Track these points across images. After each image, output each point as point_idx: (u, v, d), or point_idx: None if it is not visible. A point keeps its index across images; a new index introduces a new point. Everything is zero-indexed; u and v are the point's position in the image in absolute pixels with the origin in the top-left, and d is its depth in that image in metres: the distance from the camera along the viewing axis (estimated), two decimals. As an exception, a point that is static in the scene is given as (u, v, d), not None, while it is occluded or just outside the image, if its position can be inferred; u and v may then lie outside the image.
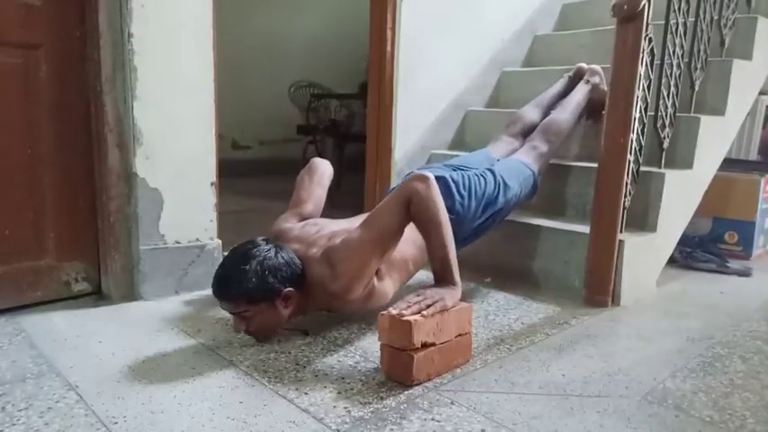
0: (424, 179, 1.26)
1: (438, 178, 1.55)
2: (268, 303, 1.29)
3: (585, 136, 2.10)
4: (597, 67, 2.04)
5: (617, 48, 1.59)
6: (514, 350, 1.35)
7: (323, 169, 1.66)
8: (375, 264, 1.29)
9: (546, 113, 2.04)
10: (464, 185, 1.59)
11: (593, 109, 2.02)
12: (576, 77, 2.10)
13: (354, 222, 1.41)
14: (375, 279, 1.33)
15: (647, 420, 1.05)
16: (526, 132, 1.97)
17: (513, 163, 1.78)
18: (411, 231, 1.33)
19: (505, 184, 1.67)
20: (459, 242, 1.57)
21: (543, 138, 1.88)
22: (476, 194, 1.60)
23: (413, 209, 1.25)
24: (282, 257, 1.31)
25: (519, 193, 1.71)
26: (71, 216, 1.57)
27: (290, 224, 1.51)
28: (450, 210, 1.52)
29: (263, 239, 1.35)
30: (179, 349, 1.31)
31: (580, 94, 2.01)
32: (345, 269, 1.26)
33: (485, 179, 1.65)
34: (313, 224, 1.50)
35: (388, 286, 1.38)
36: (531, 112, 2.03)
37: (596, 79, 2.03)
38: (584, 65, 2.10)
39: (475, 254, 1.95)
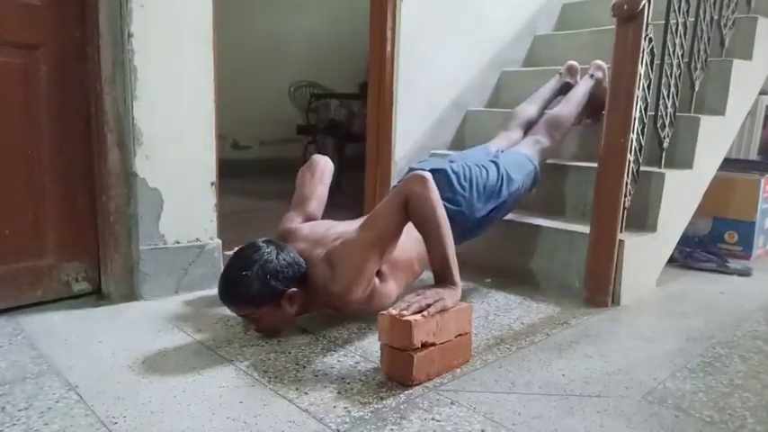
0: (422, 179, 1.25)
1: (437, 170, 1.57)
2: (273, 305, 1.31)
3: (585, 136, 2.10)
4: (601, 63, 2.02)
5: (617, 48, 1.59)
6: (514, 350, 1.35)
7: (323, 165, 1.66)
8: (374, 265, 1.29)
9: (543, 108, 2.04)
10: (465, 177, 1.59)
11: (593, 108, 2.02)
12: (567, 75, 2.11)
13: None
14: (377, 280, 1.33)
15: (647, 420, 1.05)
16: (525, 126, 1.97)
17: (515, 156, 1.78)
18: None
19: (509, 176, 1.67)
20: (464, 234, 1.58)
21: (546, 132, 1.88)
22: (477, 186, 1.59)
23: (410, 209, 1.25)
24: (284, 259, 1.32)
25: (521, 186, 1.71)
26: (71, 216, 1.57)
27: (296, 224, 1.52)
28: (452, 201, 1.53)
29: (264, 241, 1.36)
30: (179, 349, 1.31)
31: (584, 88, 2.01)
32: (343, 270, 1.27)
33: (487, 171, 1.64)
34: (322, 224, 1.51)
35: (390, 287, 1.38)
36: (527, 108, 2.03)
37: (600, 74, 2.02)
38: (574, 63, 2.11)
39: (475, 254, 1.95)
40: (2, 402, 1.06)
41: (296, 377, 1.19)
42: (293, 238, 1.45)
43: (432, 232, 1.26)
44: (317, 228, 1.48)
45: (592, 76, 2.03)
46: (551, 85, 2.12)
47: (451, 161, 1.67)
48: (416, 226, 1.28)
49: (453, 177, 1.57)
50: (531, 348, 1.36)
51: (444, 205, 1.47)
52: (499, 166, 1.67)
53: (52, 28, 1.49)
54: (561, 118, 1.91)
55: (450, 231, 1.28)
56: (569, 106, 1.95)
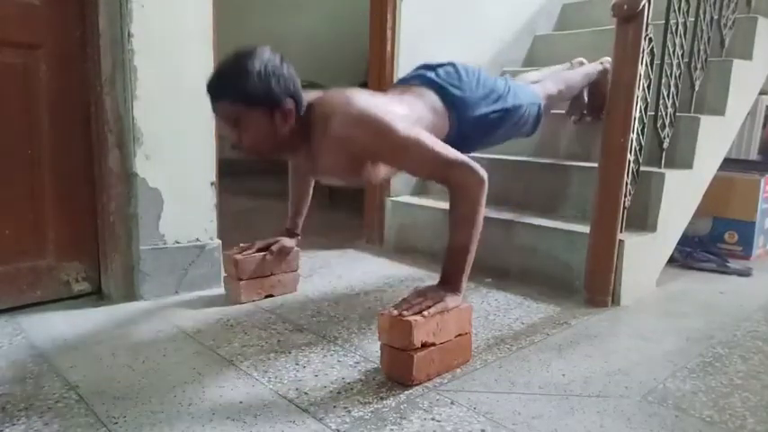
0: (483, 182, 1.23)
1: (446, 63, 1.61)
2: (266, 111, 1.23)
3: (585, 136, 2.10)
4: (609, 58, 2.03)
5: (617, 48, 1.59)
6: (514, 350, 1.35)
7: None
8: (371, 159, 1.28)
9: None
10: (473, 72, 1.60)
11: (593, 105, 2.02)
12: (577, 66, 2.11)
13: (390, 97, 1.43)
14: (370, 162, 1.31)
15: (647, 420, 1.05)
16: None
17: (523, 84, 1.78)
18: (432, 116, 1.43)
19: (515, 92, 1.67)
20: (458, 131, 1.55)
21: (554, 83, 1.88)
22: (483, 83, 1.60)
23: (454, 198, 1.24)
24: (288, 69, 1.25)
25: (526, 110, 1.69)
26: (71, 216, 1.57)
27: None
28: (457, 87, 1.54)
29: (269, 48, 1.27)
30: (179, 349, 1.31)
31: (592, 66, 2.02)
32: (357, 124, 1.21)
33: (495, 79, 1.66)
34: None
35: (382, 170, 1.36)
36: (532, 73, 2.04)
37: (607, 65, 2.02)
38: (584, 60, 2.11)
39: (475, 254, 1.95)
40: (2, 402, 1.06)
41: (296, 377, 1.19)
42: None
43: (463, 232, 1.24)
44: None
45: (602, 63, 2.02)
46: (559, 66, 2.12)
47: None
48: (451, 218, 1.25)
49: (462, 69, 1.58)
50: (530, 348, 1.36)
51: (447, 89, 1.52)
52: (507, 81, 1.68)
53: (52, 28, 1.49)
54: (568, 78, 1.92)
55: (477, 241, 1.25)
56: (576, 74, 1.97)
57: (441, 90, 1.53)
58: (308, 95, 1.33)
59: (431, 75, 1.57)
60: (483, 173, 1.24)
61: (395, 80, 2.17)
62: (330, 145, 1.26)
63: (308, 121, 1.29)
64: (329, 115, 1.24)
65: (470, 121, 1.56)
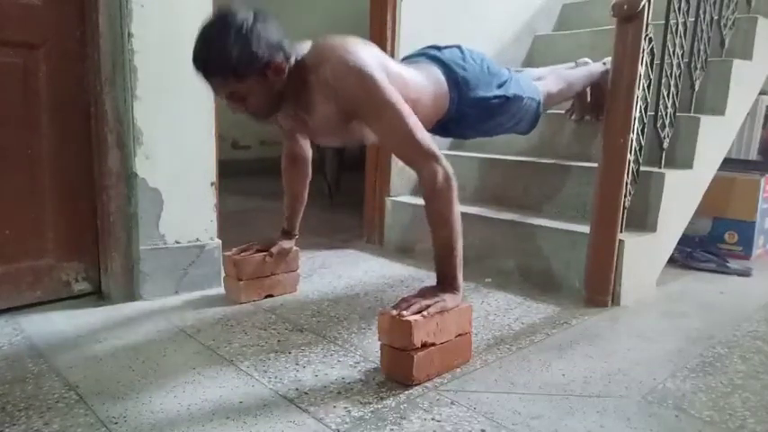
0: (450, 178, 1.23)
1: (452, 45, 1.61)
2: (258, 77, 1.21)
3: (585, 136, 2.10)
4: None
5: (617, 48, 1.59)
6: (514, 350, 1.35)
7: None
8: (357, 121, 1.27)
9: None
10: (477, 55, 1.61)
11: (595, 103, 2.02)
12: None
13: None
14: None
15: (647, 420, 1.05)
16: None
17: (526, 77, 1.78)
18: (434, 88, 1.45)
19: (518, 82, 1.67)
20: (462, 102, 1.55)
21: (554, 80, 1.87)
22: (488, 69, 1.60)
23: (428, 197, 1.23)
24: (264, 23, 1.22)
25: (525, 103, 1.69)
26: (71, 216, 1.57)
27: None
28: (461, 67, 1.55)
29: (243, 6, 1.22)
30: (179, 349, 1.31)
31: (595, 66, 2.01)
32: (348, 77, 1.20)
33: (499, 67, 1.66)
34: None
35: (370, 133, 1.35)
36: (536, 70, 2.04)
37: (610, 65, 2.02)
38: (588, 60, 2.10)
39: (475, 254, 1.95)
40: (2, 402, 1.06)
41: (296, 377, 1.19)
42: None
43: (443, 232, 1.23)
44: None
45: (605, 63, 2.02)
46: (563, 66, 2.12)
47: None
48: (428, 218, 1.25)
49: (467, 51, 1.60)
50: (531, 348, 1.36)
51: (451, 66, 1.53)
52: (510, 71, 1.69)
53: (52, 28, 1.49)
54: (570, 77, 1.92)
55: (461, 236, 1.25)
56: (578, 73, 1.96)
57: (444, 67, 1.54)
58: (303, 45, 1.33)
59: (435, 53, 1.58)
60: (450, 169, 1.24)
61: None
62: (321, 92, 1.25)
63: (303, 68, 1.28)
64: (323, 61, 1.24)
65: (470, 102, 1.56)
